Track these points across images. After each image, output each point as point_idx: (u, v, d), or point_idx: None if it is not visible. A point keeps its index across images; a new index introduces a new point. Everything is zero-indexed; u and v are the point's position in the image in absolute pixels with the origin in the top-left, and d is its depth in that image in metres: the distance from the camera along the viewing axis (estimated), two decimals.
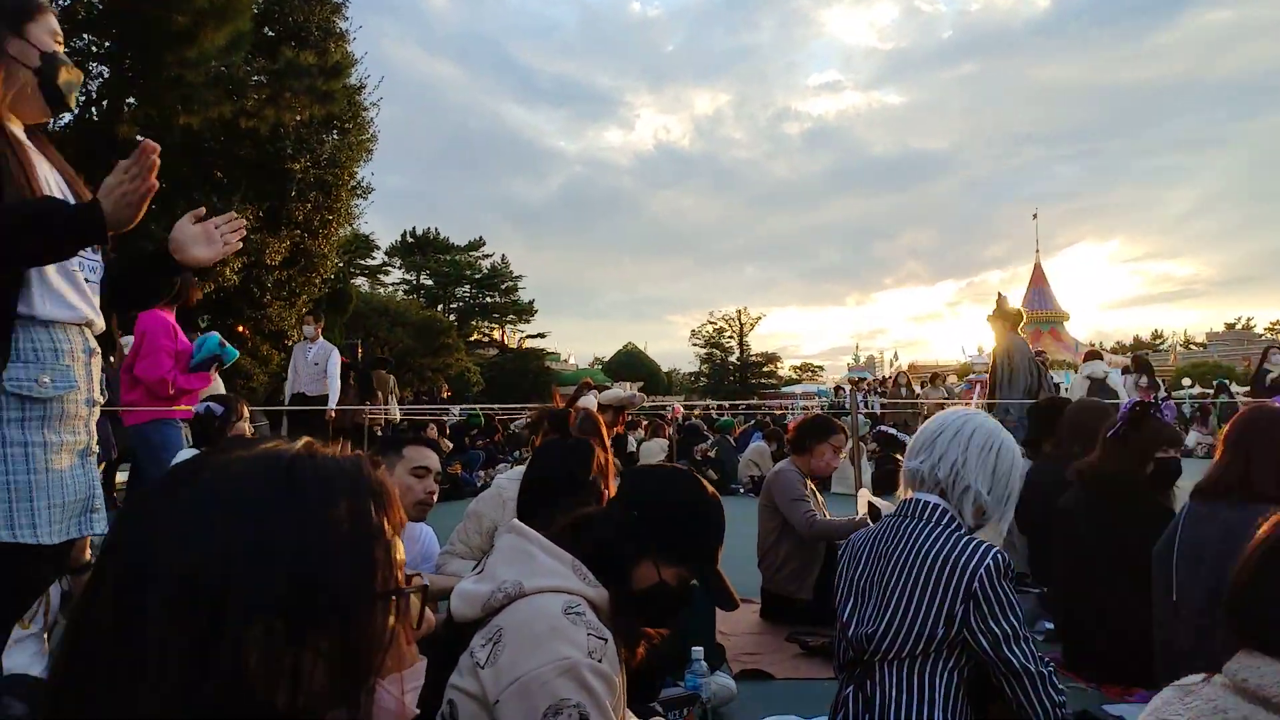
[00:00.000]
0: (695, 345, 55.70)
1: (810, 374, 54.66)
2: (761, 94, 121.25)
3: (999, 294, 7.44)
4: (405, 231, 44.19)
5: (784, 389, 38.97)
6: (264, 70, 13.34)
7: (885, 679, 2.14)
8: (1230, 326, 58.38)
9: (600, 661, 1.58)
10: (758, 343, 57.11)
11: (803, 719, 2.89)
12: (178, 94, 11.83)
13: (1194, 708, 1.09)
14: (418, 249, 43.82)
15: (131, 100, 12.96)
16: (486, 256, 45.25)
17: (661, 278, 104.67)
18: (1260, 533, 1.16)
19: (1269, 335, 48.25)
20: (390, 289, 41.33)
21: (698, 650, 2.88)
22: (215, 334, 4.93)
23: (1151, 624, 3.04)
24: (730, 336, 55.26)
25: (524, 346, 43.14)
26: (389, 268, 42.84)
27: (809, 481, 4.55)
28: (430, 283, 43.79)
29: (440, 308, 41.36)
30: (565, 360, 46.33)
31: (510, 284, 44.60)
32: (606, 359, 49.25)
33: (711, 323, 55.70)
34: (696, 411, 19.77)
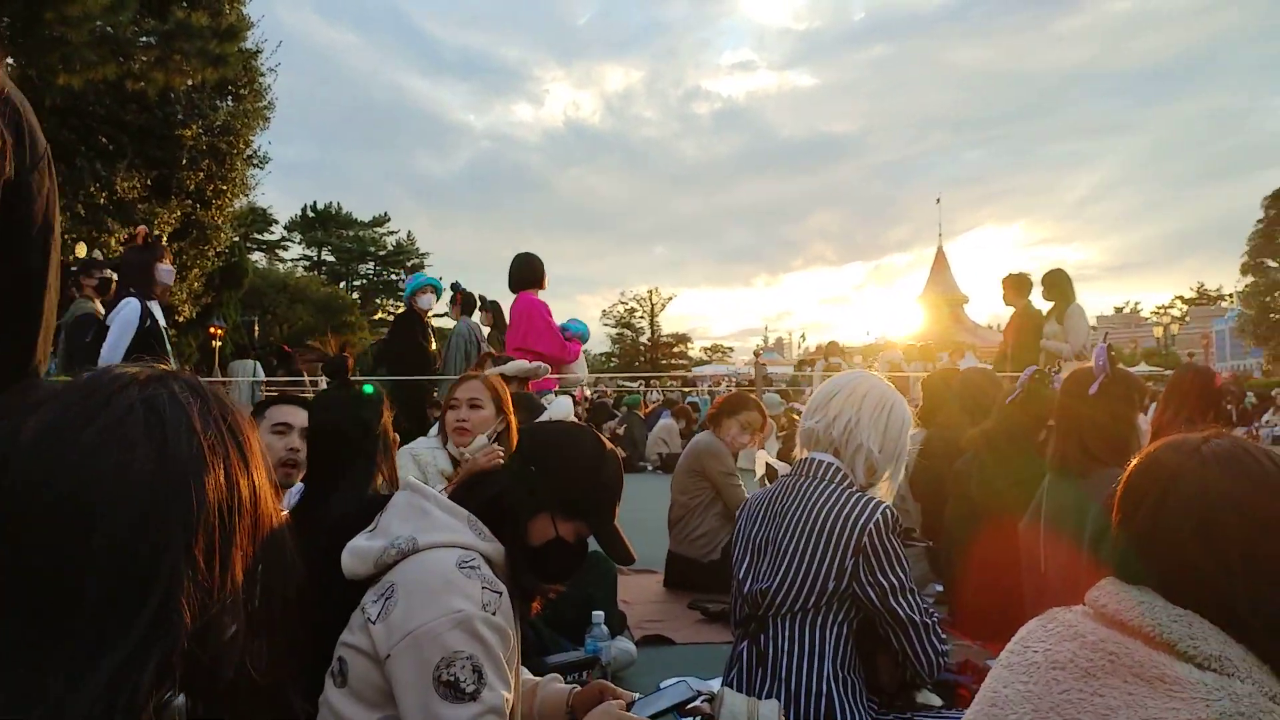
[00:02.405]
0: (606, 325, 55.78)
1: (720, 355, 55.29)
2: (673, 72, 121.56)
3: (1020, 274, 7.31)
4: (305, 206, 43.00)
5: (695, 370, 39.33)
6: (153, 31, 12.71)
7: (778, 633, 2.18)
8: (1119, 310, 61.28)
9: (494, 614, 1.58)
10: (668, 323, 57.55)
11: (701, 679, 2.93)
12: (58, 54, 11.20)
13: (1054, 633, 1.14)
14: (319, 224, 42.67)
15: (10, 61, 12.21)
16: (391, 233, 44.41)
17: (572, 257, 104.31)
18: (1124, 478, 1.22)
19: (1154, 319, 50.79)
20: (289, 265, 40.15)
21: (598, 615, 2.90)
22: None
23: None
24: (641, 317, 55.51)
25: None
26: (288, 243, 41.65)
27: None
28: (332, 259, 42.72)
29: (343, 285, 40.39)
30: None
31: (416, 261, 43.82)
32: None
33: (623, 303, 55.89)
34: (608, 392, 19.79)
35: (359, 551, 1.68)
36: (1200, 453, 1.13)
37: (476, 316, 7.37)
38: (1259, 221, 30.92)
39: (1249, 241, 31.12)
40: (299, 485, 3.26)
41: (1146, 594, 1.10)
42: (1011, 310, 7.14)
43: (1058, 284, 6.77)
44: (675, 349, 55.48)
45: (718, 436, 4.58)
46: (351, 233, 42.73)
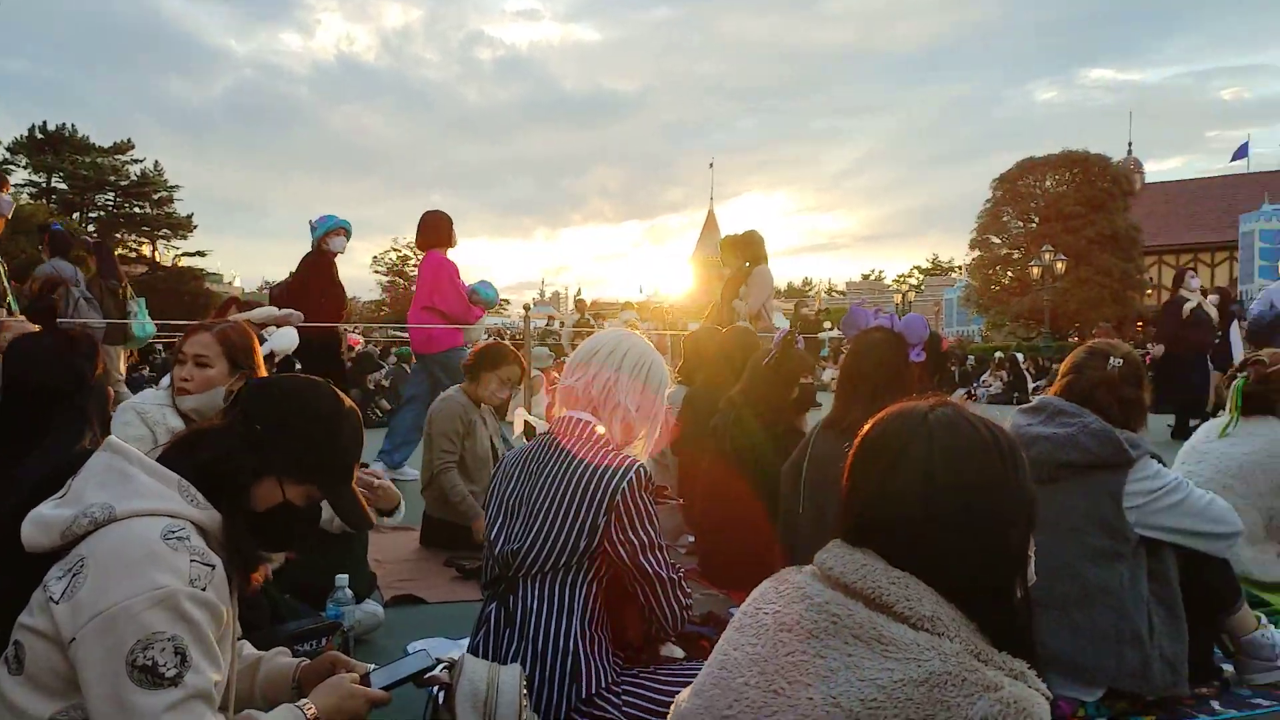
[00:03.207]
0: (377, 272, 53.70)
1: (497, 307, 54.67)
2: (455, 14, 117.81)
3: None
4: (34, 126, 38.14)
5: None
6: None
7: (527, 593, 2.14)
8: (866, 277, 66.14)
9: (204, 590, 1.42)
10: None
11: (451, 639, 2.87)
12: None
13: (784, 594, 1.16)
14: (48, 147, 38.02)
15: None
16: (135, 161, 40.21)
17: (343, 199, 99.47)
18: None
19: (895, 285, 55.20)
20: (13, 191, 35.58)
21: (342, 578, 2.75)
22: None
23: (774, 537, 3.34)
24: (415, 265, 53.86)
25: (179, 265, 39.14)
26: (11, 166, 36.83)
27: (479, 407, 4.51)
28: (64, 187, 38.26)
29: (77, 216, 36.33)
30: (229, 282, 42.72)
31: (164, 194, 40.03)
32: (276, 282, 46.05)
33: (395, 250, 53.93)
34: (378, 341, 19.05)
35: (43, 521, 1.46)
36: (927, 421, 1.18)
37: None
38: (987, 201, 34.20)
39: (978, 219, 34.35)
40: None
41: (870, 557, 1.13)
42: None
43: (751, 245, 7.15)
44: None
45: (476, 389, 4.47)
46: (88, 159, 38.29)
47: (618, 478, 2.12)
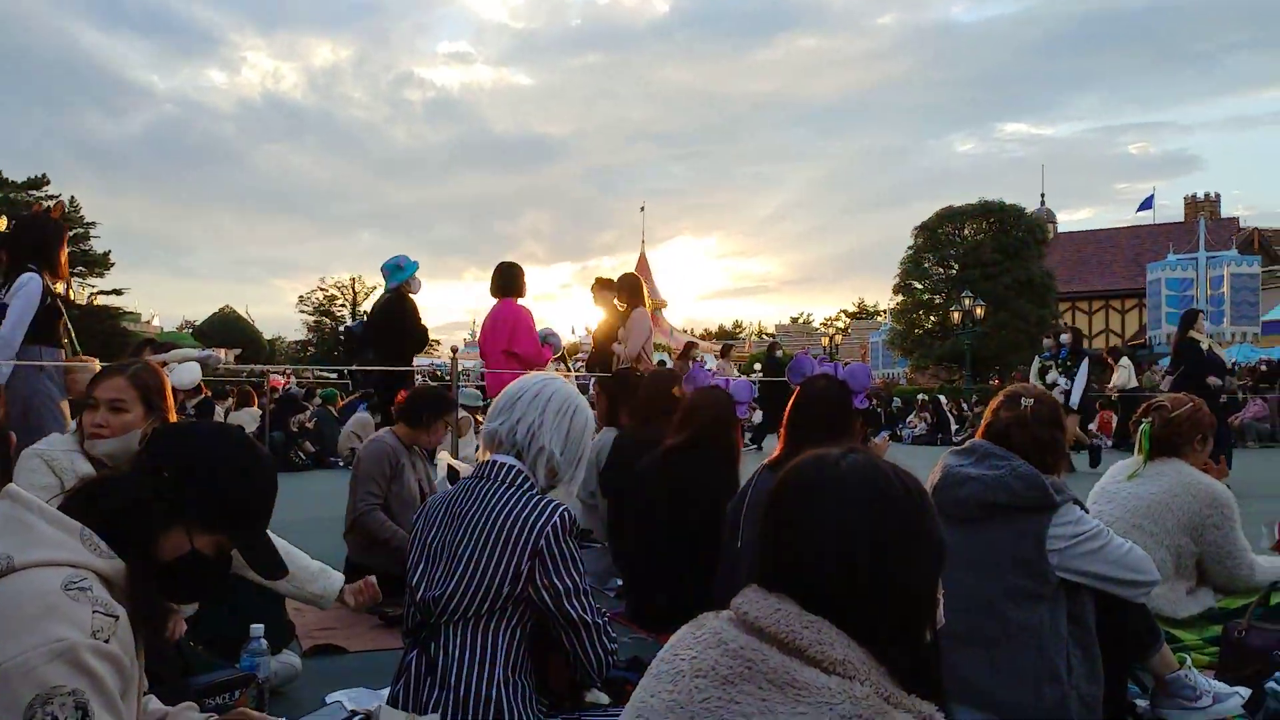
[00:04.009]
0: (304, 312, 52.82)
1: (427, 349, 54.04)
2: (385, 55, 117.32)
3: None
4: None
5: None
6: None
7: (449, 641, 2.11)
8: (794, 320, 67.14)
9: (107, 642, 1.37)
10: None
11: (372, 690, 2.79)
12: None
13: (701, 640, 1.16)
14: None
15: None
16: (51, 197, 38.95)
17: (268, 238, 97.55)
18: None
19: (823, 329, 56.14)
20: None
21: (256, 628, 2.66)
22: None
23: (708, 579, 3.34)
24: (343, 305, 53.14)
25: (95, 303, 37.86)
26: None
27: (410, 454, 4.44)
28: None
29: None
30: (147, 321, 41.47)
31: (80, 231, 38.86)
32: (199, 322, 44.93)
33: (322, 289, 53.19)
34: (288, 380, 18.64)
35: None
36: (839, 467, 1.20)
37: None
38: (909, 248, 35.17)
39: (900, 265, 35.26)
40: None
41: (784, 601, 1.14)
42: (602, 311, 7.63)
43: (627, 288, 7.26)
44: None
45: (410, 434, 4.42)
46: (1, 194, 37.05)
47: (541, 522, 2.10)
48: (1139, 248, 36.09)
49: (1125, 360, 17.29)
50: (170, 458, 1.60)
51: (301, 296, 52.85)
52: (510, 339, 6.49)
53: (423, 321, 7.09)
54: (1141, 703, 2.80)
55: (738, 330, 66.18)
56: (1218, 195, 42.26)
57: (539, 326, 6.81)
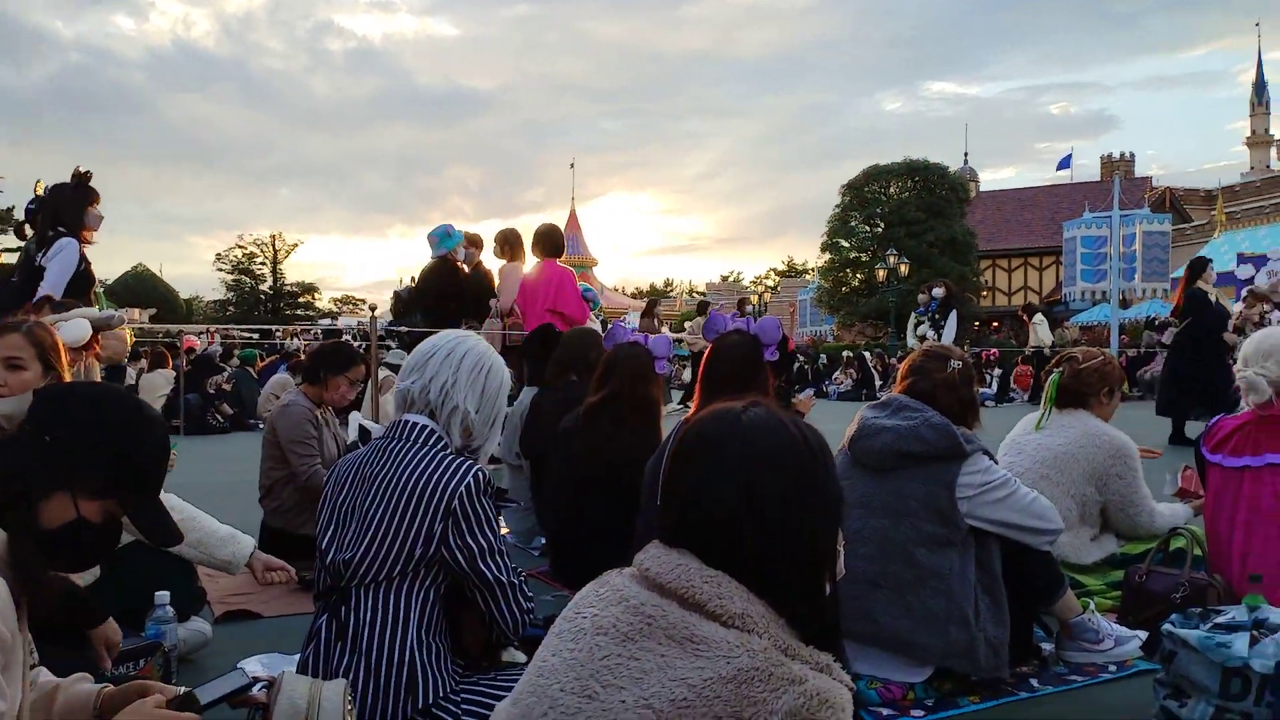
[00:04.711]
0: (221, 271, 51.24)
1: (351, 307, 52.97)
2: (302, 1, 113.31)
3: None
4: None
5: (320, 321, 37.37)
6: None
7: (360, 604, 2.07)
8: (725, 279, 67.47)
9: None
10: (294, 271, 54.16)
11: (285, 655, 2.74)
12: None
13: (604, 597, 1.15)
14: None
15: None
16: None
17: (182, 193, 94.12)
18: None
19: (753, 287, 56.61)
20: None
21: (161, 595, 2.58)
22: None
23: (629, 536, 3.34)
24: (263, 263, 51.72)
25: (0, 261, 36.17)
26: None
27: (320, 411, 4.34)
28: None
29: None
30: None
31: None
32: (110, 281, 43.27)
33: (241, 247, 51.65)
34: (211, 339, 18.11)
35: None
36: (741, 422, 1.19)
37: None
38: (836, 207, 35.52)
39: (828, 224, 35.64)
40: None
41: (685, 556, 1.14)
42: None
43: (505, 242, 7.22)
44: (301, 299, 52.33)
45: (320, 391, 4.30)
46: None
47: (455, 482, 2.07)
48: (1057, 206, 37.02)
49: (1039, 317, 17.83)
50: (52, 422, 1.53)
51: (219, 254, 51.28)
52: (556, 298, 6.70)
53: (465, 287, 7.30)
54: (1047, 646, 2.90)
55: (669, 288, 66.32)
56: (1132, 155, 43.61)
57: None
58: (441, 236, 7.12)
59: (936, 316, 10.54)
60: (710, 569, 1.11)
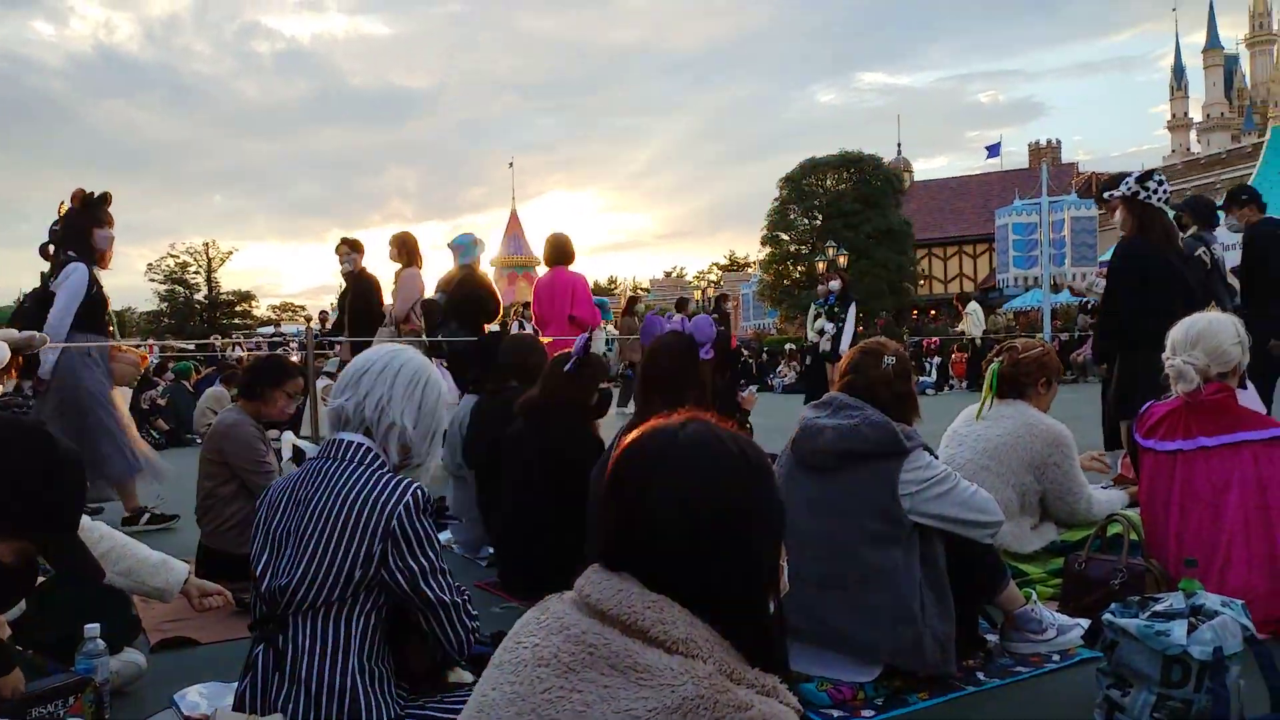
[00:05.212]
0: (154, 281, 49.94)
1: (291, 314, 51.97)
2: (228, 3, 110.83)
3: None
4: None
5: (260, 330, 36.60)
6: None
7: (298, 631, 2.00)
8: (668, 275, 67.63)
9: None
10: (230, 279, 53.02)
11: (225, 684, 2.66)
12: None
13: (544, 625, 1.12)
14: None
15: None
16: None
17: (111, 202, 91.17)
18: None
19: (696, 282, 56.80)
20: None
21: (92, 628, 2.47)
22: None
23: (577, 542, 3.31)
24: (196, 272, 50.54)
25: None
26: None
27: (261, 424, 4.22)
28: None
29: None
30: None
31: None
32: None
33: (174, 256, 50.36)
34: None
35: None
36: (678, 439, 1.16)
37: None
38: (775, 200, 35.78)
39: (767, 217, 35.90)
40: None
41: (626, 580, 1.11)
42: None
43: (401, 246, 7.20)
44: (238, 307, 51.25)
45: (258, 406, 4.18)
46: None
47: (393, 502, 2.01)
48: (988, 194, 37.76)
49: (973, 305, 18.19)
50: None
51: (150, 264, 49.92)
52: (574, 304, 6.97)
53: (493, 292, 7.44)
54: (992, 638, 2.94)
55: (613, 286, 66.26)
56: (1059, 141, 44.73)
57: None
58: (467, 245, 7.21)
59: (835, 309, 10.59)
60: (652, 593, 1.08)
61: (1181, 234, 7.14)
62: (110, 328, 5.40)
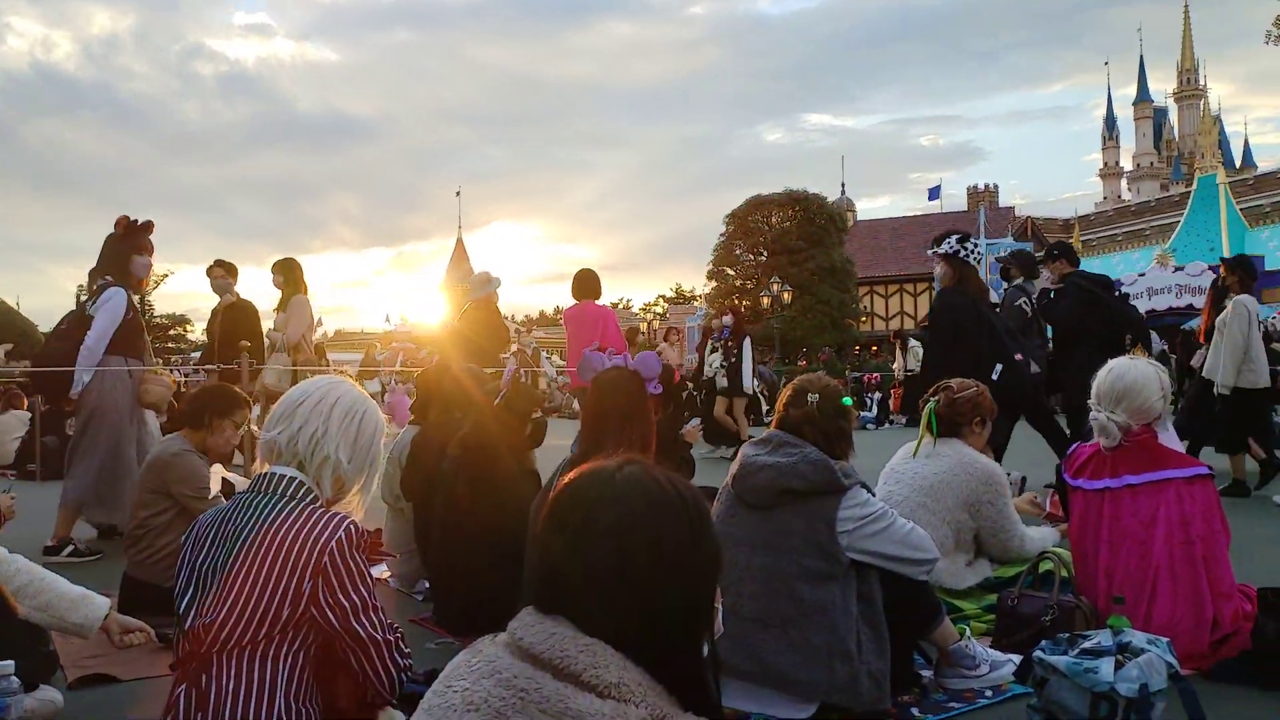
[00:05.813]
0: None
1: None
2: (172, 24, 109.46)
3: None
4: None
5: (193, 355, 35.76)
6: None
7: (222, 671, 1.94)
8: (615, 306, 67.83)
9: None
10: (165, 302, 51.80)
11: None
12: None
13: (475, 669, 1.10)
14: None
15: None
16: None
17: (41, 222, 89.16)
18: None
19: (642, 314, 57.02)
20: None
21: (5, 665, 2.37)
22: None
23: (513, 577, 3.26)
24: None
25: None
26: None
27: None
28: None
29: None
30: None
31: None
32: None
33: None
34: None
35: None
36: (614, 481, 1.16)
37: None
38: (721, 235, 36.19)
39: (713, 252, 36.29)
40: None
41: (559, 624, 1.10)
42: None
43: (287, 272, 7.19)
44: (172, 331, 50.05)
45: (204, 437, 4.05)
46: None
47: (325, 537, 1.97)
48: (928, 235, 38.38)
49: (913, 342, 18.56)
50: None
51: (81, 285, 48.63)
52: (603, 335, 7.23)
53: (503, 323, 8.04)
54: (926, 673, 2.96)
55: (558, 315, 66.17)
56: (996, 186, 46.14)
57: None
58: (485, 281, 7.82)
59: (729, 344, 10.71)
60: (585, 637, 1.07)
61: (1007, 284, 7.92)
62: (146, 351, 5.54)
